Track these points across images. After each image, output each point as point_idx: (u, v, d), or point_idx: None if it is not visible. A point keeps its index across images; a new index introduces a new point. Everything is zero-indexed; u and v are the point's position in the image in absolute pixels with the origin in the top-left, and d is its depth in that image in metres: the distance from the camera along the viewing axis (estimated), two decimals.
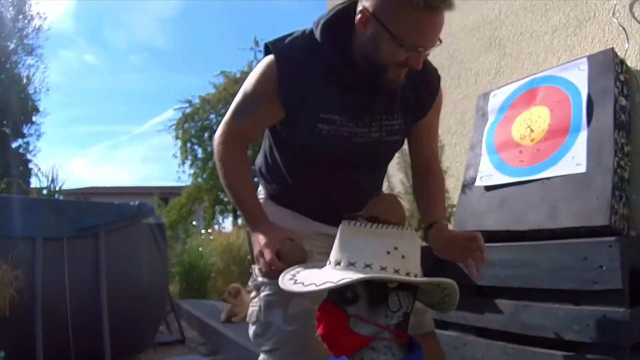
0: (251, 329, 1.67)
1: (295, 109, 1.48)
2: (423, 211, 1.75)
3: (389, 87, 1.45)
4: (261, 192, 1.77)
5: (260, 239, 1.46)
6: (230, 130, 1.58)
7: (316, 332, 1.24)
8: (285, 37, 1.52)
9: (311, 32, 1.49)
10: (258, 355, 1.64)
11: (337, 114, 1.48)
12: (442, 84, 3.34)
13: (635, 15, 2.27)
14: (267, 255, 1.39)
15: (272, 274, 1.40)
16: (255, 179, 1.70)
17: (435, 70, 1.66)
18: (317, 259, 1.43)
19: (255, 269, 1.62)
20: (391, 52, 1.35)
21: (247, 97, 1.54)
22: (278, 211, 1.68)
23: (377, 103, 1.50)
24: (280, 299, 1.54)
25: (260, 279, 1.60)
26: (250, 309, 1.67)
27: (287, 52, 1.48)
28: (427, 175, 1.76)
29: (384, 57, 1.37)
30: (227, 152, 1.58)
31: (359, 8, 1.37)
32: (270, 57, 1.48)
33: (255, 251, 1.47)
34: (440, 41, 1.40)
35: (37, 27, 19.34)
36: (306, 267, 1.27)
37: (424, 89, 1.59)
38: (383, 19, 1.32)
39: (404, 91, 1.52)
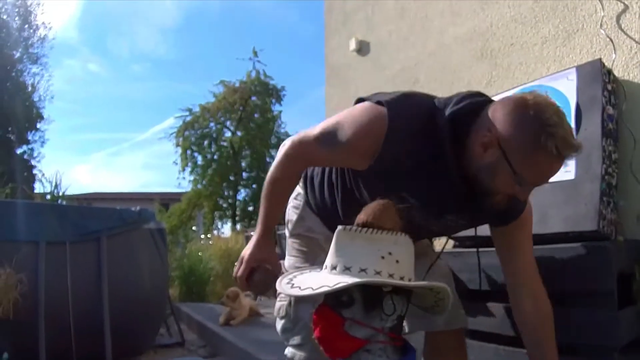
0: (279, 323, 1.68)
1: (381, 175, 1.38)
2: (532, 355, 1.58)
3: (489, 209, 1.37)
4: (300, 196, 1.75)
5: (249, 248, 1.55)
6: (305, 150, 1.50)
7: None
8: (404, 100, 1.41)
9: (432, 107, 1.39)
10: (256, 357, 1.64)
11: (416, 200, 1.38)
12: (436, 93, 3.34)
13: (622, 27, 2.28)
14: (241, 271, 1.52)
15: (239, 284, 1.54)
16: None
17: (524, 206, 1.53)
18: None
19: (287, 266, 1.70)
20: (506, 185, 1.28)
21: (340, 135, 1.40)
22: (313, 217, 1.71)
23: (455, 205, 1.43)
24: None
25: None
26: (278, 304, 1.69)
27: (402, 119, 1.34)
28: (533, 307, 1.55)
29: (497, 186, 1.30)
30: (288, 165, 1.54)
31: (486, 129, 1.27)
32: (384, 113, 1.34)
33: (241, 254, 1.56)
34: None
35: (42, 36, 19.37)
36: (303, 272, 1.27)
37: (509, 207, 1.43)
38: (508, 153, 1.23)
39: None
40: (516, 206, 1.45)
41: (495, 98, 2.62)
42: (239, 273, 1.53)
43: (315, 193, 1.69)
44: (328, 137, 1.43)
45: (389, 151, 1.33)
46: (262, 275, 1.52)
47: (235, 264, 1.59)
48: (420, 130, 1.34)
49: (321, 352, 1.44)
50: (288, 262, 1.74)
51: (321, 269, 1.20)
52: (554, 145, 1.18)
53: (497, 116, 1.27)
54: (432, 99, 1.46)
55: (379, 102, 1.38)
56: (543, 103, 1.23)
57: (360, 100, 1.50)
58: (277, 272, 1.53)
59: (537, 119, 1.19)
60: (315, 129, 1.48)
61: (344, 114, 1.46)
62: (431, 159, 1.34)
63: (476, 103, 1.36)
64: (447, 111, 1.34)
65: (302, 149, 1.50)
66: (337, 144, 1.40)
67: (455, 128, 1.32)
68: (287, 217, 1.79)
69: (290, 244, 1.75)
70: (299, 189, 1.76)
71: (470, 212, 1.46)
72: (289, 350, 1.64)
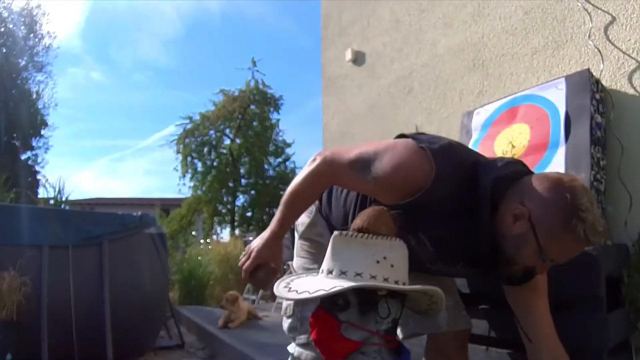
0: (286, 323, 1.68)
1: (405, 213, 1.28)
2: None
3: (504, 277, 1.40)
4: (313, 205, 1.73)
5: (259, 245, 1.55)
6: (335, 170, 1.46)
7: None
8: (449, 150, 1.37)
9: (475, 163, 1.38)
10: (253, 359, 1.62)
11: (432, 244, 1.39)
12: (429, 102, 3.35)
13: (610, 38, 2.29)
14: (247, 264, 1.53)
15: (243, 276, 1.55)
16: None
17: None
18: None
19: (296, 266, 1.73)
20: (529, 259, 1.28)
21: (376, 166, 1.37)
22: (324, 223, 1.72)
23: (470, 259, 1.42)
24: None
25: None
26: (285, 303, 1.69)
27: (448, 171, 1.31)
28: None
29: (519, 258, 1.30)
30: (314, 181, 1.51)
31: (519, 201, 1.27)
32: (430, 161, 1.30)
33: (250, 246, 1.58)
34: None
35: (47, 45, 19.31)
36: (300, 276, 1.27)
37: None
38: (538, 229, 1.23)
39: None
40: (530, 275, 1.41)
41: (487, 107, 2.65)
42: (245, 266, 1.54)
43: (332, 207, 1.69)
44: (363, 165, 1.39)
45: (427, 198, 1.30)
46: (266, 272, 1.54)
47: (243, 253, 1.60)
48: (462, 183, 1.32)
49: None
50: (297, 262, 1.76)
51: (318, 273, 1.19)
52: (582, 229, 1.18)
53: (532, 191, 1.27)
54: (473, 153, 1.47)
55: (422, 148, 1.34)
56: (578, 187, 1.22)
57: (402, 135, 1.47)
58: (279, 271, 1.56)
59: (571, 203, 1.19)
60: (350, 152, 1.44)
61: (383, 145, 1.41)
62: (465, 212, 1.32)
63: (517, 172, 1.35)
64: (491, 174, 1.33)
65: (333, 169, 1.46)
66: (372, 175, 1.37)
67: (496, 191, 1.31)
68: (298, 220, 1.78)
69: (300, 246, 1.77)
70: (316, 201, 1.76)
71: (481, 267, 1.45)
72: (295, 349, 1.63)
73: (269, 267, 1.55)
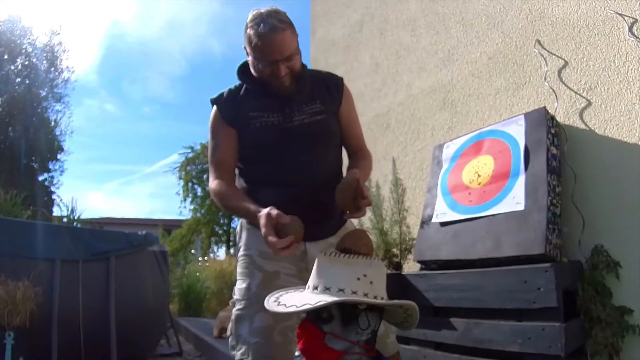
0: (229, 341, 1.62)
1: (235, 119, 1.61)
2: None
3: (280, 92, 1.57)
4: (239, 223, 1.72)
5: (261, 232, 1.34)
6: (214, 167, 1.64)
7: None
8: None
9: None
10: None
11: (261, 110, 1.59)
12: (405, 137, 3.39)
13: (563, 80, 2.33)
14: (271, 240, 1.28)
15: (284, 251, 1.28)
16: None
17: (337, 75, 1.80)
18: (284, 280, 1.50)
19: (235, 289, 1.61)
20: (257, 69, 1.54)
21: (211, 137, 1.69)
22: (252, 233, 1.61)
23: (291, 98, 1.59)
24: (247, 313, 1.51)
25: (235, 296, 1.59)
26: (229, 325, 1.63)
27: (220, 94, 1.69)
28: (356, 155, 1.77)
29: (258, 73, 1.55)
30: (216, 186, 1.59)
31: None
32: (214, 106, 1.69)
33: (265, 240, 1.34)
34: (299, 53, 1.56)
35: (66, 78, 19.15)
36: (288, 291, 1.25)
37: (329, 84, 1.72)
38: (246, 48, 1.55)
39: (314, 86, 1.66)
40: (330, 82, 1.73)
41: (455, 141, 2.67)
42: (272, 243, 1.28)
43: (250, 193, 1.60)
44: (212, 146, 1.68)
45: (226, 110, 1.64)
46: (287, 225, 1.29)
47: (235, 288, 1.57)
48: (233, 89, 1.68)
49: None
50: (236, 285, 1.63)
51: (304, 289, 1.18)
52: (248, 27, 1.50)
53: None
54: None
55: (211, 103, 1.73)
56: (256, 12, 1.52)
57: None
58: (284, 218, 1.30)
59: (247, 21, 1.53)
60: (208, 157, 1.73)
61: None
62: (247, 91, 1.64)
63: None
64: (238, 66, 1.68)
65: (212, 167, 1.66)
66: (216, 140, 1.66)
67: (246, 69, 1.62)
68: None
69: (237, 268, 1.66)
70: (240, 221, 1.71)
71: (309, 96, 1.64)
72: None
73: (281, 225, 1.29)
